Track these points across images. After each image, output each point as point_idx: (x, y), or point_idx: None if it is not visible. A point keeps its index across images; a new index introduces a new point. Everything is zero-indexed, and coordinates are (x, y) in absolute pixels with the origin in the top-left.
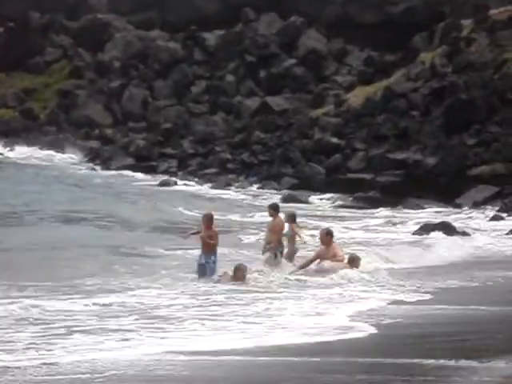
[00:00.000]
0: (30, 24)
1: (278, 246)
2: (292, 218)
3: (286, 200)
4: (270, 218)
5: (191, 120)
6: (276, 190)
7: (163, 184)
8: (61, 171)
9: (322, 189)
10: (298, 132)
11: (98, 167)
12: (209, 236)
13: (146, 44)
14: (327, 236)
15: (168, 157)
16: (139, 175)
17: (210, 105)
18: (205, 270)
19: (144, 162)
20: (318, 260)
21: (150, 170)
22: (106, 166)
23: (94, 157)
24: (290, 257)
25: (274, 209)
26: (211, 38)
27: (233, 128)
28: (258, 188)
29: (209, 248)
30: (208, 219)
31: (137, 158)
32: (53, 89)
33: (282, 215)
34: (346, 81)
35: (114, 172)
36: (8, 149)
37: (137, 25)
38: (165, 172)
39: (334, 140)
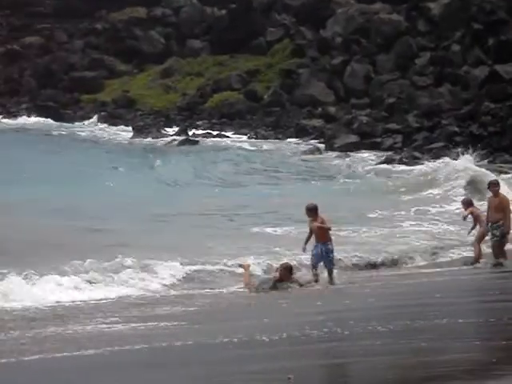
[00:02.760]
0: (252, 4)
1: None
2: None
3: None
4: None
5: (415, 93)
6: (509, 162)
7: (386, 161)
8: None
9: None
10: None
11: (321, 146)
12: None
13: (368, 18)
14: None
15: (392, 132)
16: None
17: (435, 76)
18: None
19: (368, 139)
20: None
21: (374, 147)
22: (329, 144)
23: (317, 136)
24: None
25: (496, 185)
26: (436, 7)
27: (460, 99)
28: (488, 162)
29: None
30: None
31: (360, 135)
32: (275, 69)
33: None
34: None
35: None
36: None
37: None
38: (389, 148)
39: None
